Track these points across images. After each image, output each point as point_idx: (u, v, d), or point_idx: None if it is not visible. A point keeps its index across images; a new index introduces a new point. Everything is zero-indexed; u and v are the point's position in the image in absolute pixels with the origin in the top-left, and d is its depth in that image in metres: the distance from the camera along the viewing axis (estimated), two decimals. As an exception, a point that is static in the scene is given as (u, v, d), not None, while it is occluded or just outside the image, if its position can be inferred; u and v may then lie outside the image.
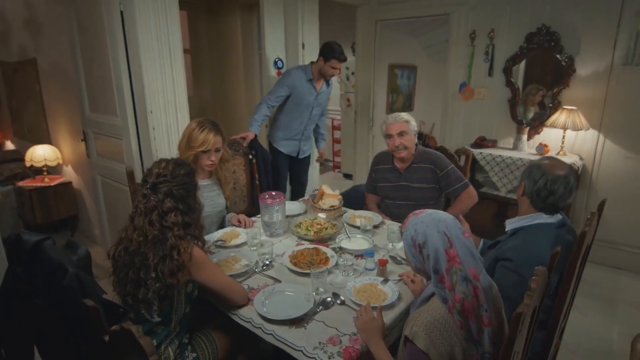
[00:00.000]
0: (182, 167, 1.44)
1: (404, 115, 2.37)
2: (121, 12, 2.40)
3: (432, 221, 1.17)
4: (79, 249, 1.26)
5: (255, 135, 2.85)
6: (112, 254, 1.40)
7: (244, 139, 2.74)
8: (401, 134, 2.30)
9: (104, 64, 2.63)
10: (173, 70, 2.53)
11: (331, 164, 6.57)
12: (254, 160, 2.78)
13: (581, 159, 3.30)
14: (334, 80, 6.38)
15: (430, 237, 1.15)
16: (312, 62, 3.04)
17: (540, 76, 3.43)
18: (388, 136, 2.34)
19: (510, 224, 1.61)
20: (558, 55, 3.25)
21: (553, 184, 1.46)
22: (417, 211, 1.25)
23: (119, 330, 0.83)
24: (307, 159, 3.33)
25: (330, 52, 2.87)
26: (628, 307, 2.80)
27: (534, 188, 1.50)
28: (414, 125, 2.35)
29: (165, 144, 2.56)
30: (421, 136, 5.68)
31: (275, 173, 3.09)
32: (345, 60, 2.96)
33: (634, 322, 2.63)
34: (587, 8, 3.11)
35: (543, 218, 1.52)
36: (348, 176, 5.81)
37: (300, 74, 2.96)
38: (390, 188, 2.44)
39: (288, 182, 3.39)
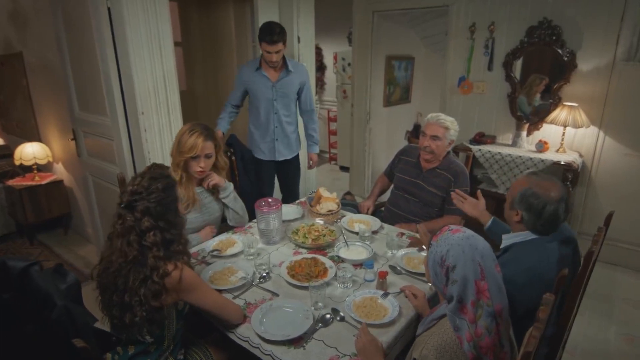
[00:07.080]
0: (158, 181, 1.34)
1: (447, 120, 2.26)
2: (108, 9, 2.30)
3: (468, 247, 1.09)
4: (68, 276, 1.20)
5: (235, 135, 2.79)
6: (95, 275, 1.34)
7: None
8: (434, 137, 2.24)
9: (92, 62, 2.53)
10: (164, 70, 2.44)
11: (327, 156, 6.50)
12: (233, 158, 2.72)
13: (581, 155, 3.27)
14: (330, 70, 6.36)
15: (463, 264, 1.08)
16: None
17: (541, 71, 3.36)
18: (422, 133, 2.30)
19: (506, 240, 1.55)
20: (559, 50, 3.18)
21: (557, 211, 1.39)
22: (454, 227, 1.16)
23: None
24: (290, 164, 2.97)
25: (260, 33, 2.50)
26: (625, 305, 2.81)
27: (537, 222, 1.42)
28: (452, 133, 2.25)
29: (158, 146, 2.48)
30: (417, 128, 5.66)
31: (261, 184, 2.91)
32: (274, 42, 2.47)
33: (631, 321, 2.64)
34: (590, 2, 3.03)
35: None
36: (344, 169, 5.76)
37: (248, 66, 2.76)
38: (406, 181, 2.45)
39: (280, 191, 3.18)
